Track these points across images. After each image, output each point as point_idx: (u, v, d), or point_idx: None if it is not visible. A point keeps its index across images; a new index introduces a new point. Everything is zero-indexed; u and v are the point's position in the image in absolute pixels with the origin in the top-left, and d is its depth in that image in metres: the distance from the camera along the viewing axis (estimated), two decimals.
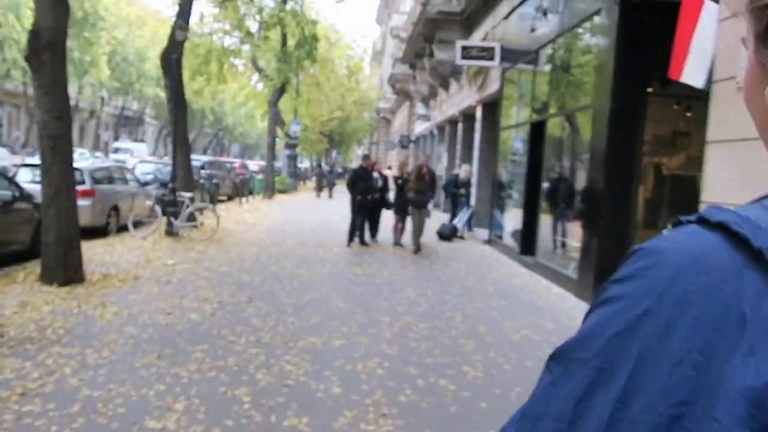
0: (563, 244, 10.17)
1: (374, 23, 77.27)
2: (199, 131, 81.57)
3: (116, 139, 59.66)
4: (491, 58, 13.91)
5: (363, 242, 12.77)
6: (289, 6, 26.40)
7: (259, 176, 28.77)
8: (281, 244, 12.35)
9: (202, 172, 21.40)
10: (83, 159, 45.58)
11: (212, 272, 9.06)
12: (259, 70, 29.39)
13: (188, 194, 12.61)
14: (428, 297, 8.15)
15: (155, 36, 42.34)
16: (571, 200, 9.82)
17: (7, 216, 8.89)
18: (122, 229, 12.68)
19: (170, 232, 12.33)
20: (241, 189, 22.88)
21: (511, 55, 13.53)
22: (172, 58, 13.03)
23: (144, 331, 5.80)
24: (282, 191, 30.38)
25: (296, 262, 10.31)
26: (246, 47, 29.54)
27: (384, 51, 62.07)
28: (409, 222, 12.73)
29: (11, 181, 9.41)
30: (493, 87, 15.29)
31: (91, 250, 10.17)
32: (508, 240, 13.03)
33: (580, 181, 9.40)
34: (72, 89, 56.70)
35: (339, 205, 25.20)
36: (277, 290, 8.02)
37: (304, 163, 59.15)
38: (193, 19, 28.11)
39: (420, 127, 30.16)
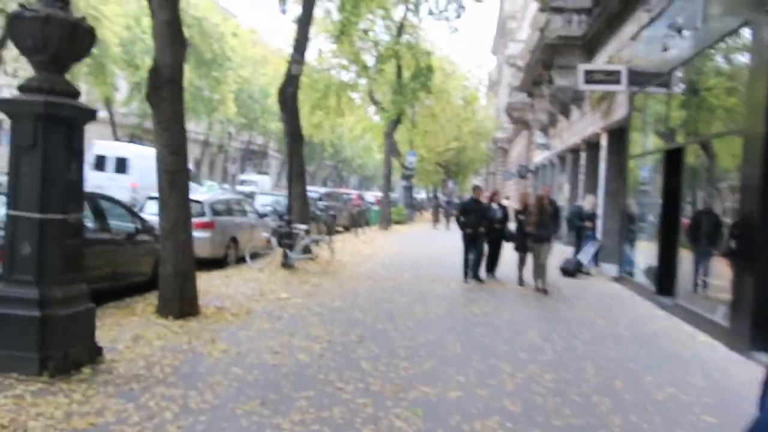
0: (708, 285, 9.03)
1: (490, 54, 76.81)
2: (319, 164, 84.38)
3: (242, 171, 62.77)
4: (617, 82, 12.97)
5: (478, 278, 11.98)
6: (404, 39, 26.56)
7: (376, 207, 28.82)
8: (396, 278, 11.97)
9: (320, 203, 21.67)
10: (212, 189, 47.77)
11: (324, 308, 8.81)
12: (376, 102, 29.68)
13: (303, 226, 12.59)
14: (554, 342, 7.40)
15: (277, 73, 44.16)
16: (717, 235, 8.71)
17: (131, 248, 9.14)
18: (240, 260, 12.86)
19: (286, 264, 12.32)
20: (358, 220, 22.92)
21: (639, 78, 12.54)
22: (288, 92, 13.21)
23: (250, 373, 5.54)
24: (398, 222, 30.32)
25: (411, 297, 9.87)
26: (363, 81, 30.11)
27: (500, 81, 61.27)
28: (530, 258, 11.75)
29: (134, 213, 9.70)
30: (619, 113, 14.28)
31: (209, 282, 10.28)
32: (641, 277, 11.90)
33: (730, 214, 8.31)
34: (202, 126, 60.52)
35: (456, 236, 24.52)
36: (390, 330, 7.60)
37: (420, 194, 59.26)
38: (313, 55, 29.10)
39: (539, 157, 29.11)
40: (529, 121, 33.03)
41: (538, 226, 11.16)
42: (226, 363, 5.81)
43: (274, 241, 12.45)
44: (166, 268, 7.75)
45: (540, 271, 11.25)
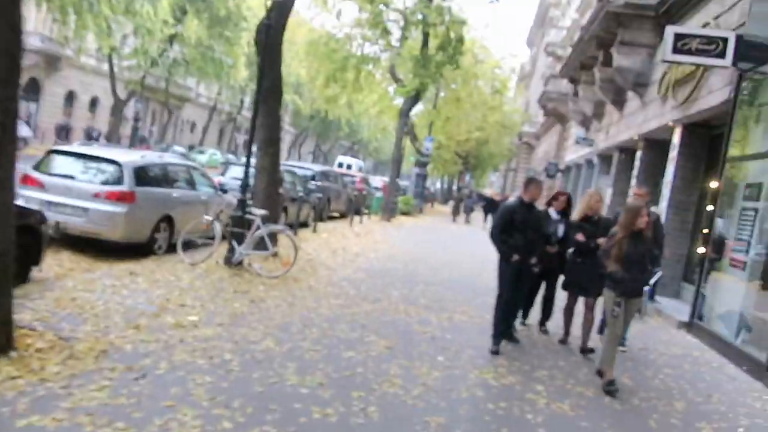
0: None
1: (524, 46, 72.57)
2: (334, 143, 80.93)
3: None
4: (720, 55, 9.22)
5: (510, 336, 6.99)
6: (435, 2, 22.89)
7: (380, 194, 25.25)
8: (379, 298, 8.41)
9: (312, 183, 18.15)
10: (212, 161, 44.50)
11: (243, 351, 5.30)
12: (397, 80, 26.06)
13: (260, 211, 9.06)
14: None
15: (295, 38, 40.55)
16: None
17: None
18: (174, 248, 9.37)
19: (230, 260, 8.82)
20: (353, 207, 19.35)
21: (754, 53, 8.85)
22: (266, 26, 9.59)
23: None
24: (405, 213, 26.76)
25: (393, 343, 6.28)
26: (385, 55, 26.65)
27: (533, 73, 57.46)
28: (598, 308, 6.89)
29: None
30: (708, 101, 10.58)
31: (91, 283, 6.83)
32: (726, 328, 8.31)
33: None
34: (212, 90, 56.90)
35: (474, 236, 21.49)
36: (333, 425, 4.08)
37: (435, 185, 55.57)
38: (332, 21, 25.88)
39: (573, 154, 25.34)
40: (566, 114, 29.23)
41: (628, 264, 5.63)
42: None
43: (217, 227, 8.93)
44: None
45: (611, 341, 5.80)
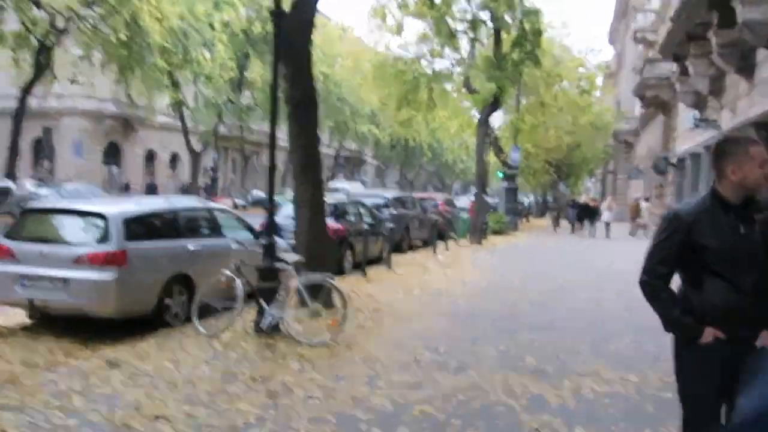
0: None
1: (606, 43, 67.97)
2: (418, 170, 78.83)
3: (331, 179, 58.22)
4: None
5: None
6: None
7: (465, 215, 22.56)
8: (465, 364, 5.78)
9: (385, 211, 15.83)
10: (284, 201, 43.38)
11: None
12: (472, 91, 23.64)
13: (293, 257, 6.76)
14: None
15: (359, 64, 38.91)
16: None
17: None
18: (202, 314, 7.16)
19: (261, 328, 6.53)
20: (433, 233, 16.81)
21: None
22: (276, 15, 7.34)
23: None
24: (497, 232, 23.90)
25: None
26: (458, 69, 24.45)
27: (620, 69, 53.29)
28: None
29: None
30: None
31: (40, 392, 4.72)
32: None
33: None
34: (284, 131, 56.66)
35: (580, 247, 18.01)
36: None
37: (527, 198, 51.98)
38: (397, 42, 24.17)
39: (687, 144, 21.71)
40: (670, 101, 25.63)
41: None
42: None
43: (239, 285, 6.67)
44: None
45: None
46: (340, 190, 36.89)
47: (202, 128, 38.60)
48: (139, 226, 6.83)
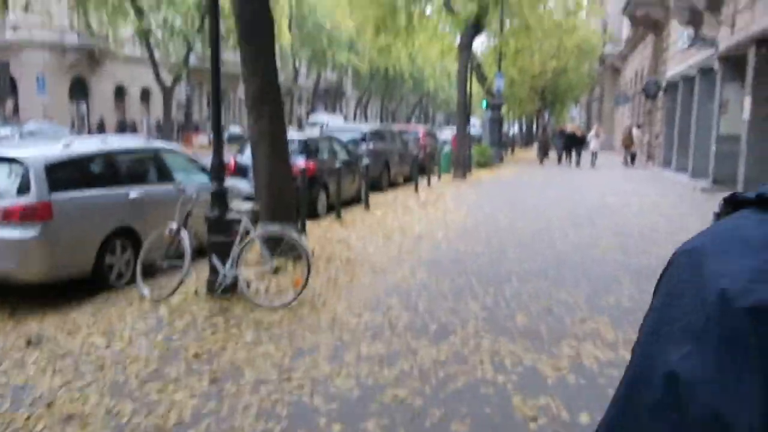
0: None
1: None
2: (399, 101, 76.90)
3: (310, 112, 56.52)
4: None
5: None
6: None
7: (449, 148, 21.60)
8: (446, 327, 5.05)
9: (362, 146, 14.85)
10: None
11: None
12: (453, 13, 22.23)
13: (245, 205, 5.87)
14: None
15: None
16: None
17: None
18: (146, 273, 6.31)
19: (213, 288, 5.71)
20: (415, 168, 15.90)
21: None
22: None
23: None
24: (482, 164, 23.04)
25: None
26: None
27: None
28: None
29: None
30: None
31: None
32: None
33: None
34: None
35: (569, 177, 16.43)
36: None
37: (512, 128, 50.81)
38: None
39: (679, 66, 20.69)
40: (662, 19, 24.38)
41: None
42: None
43: (185, 238, 5.79)
44: None
45: None
46: (317, 124, 35.66)
47: (172, 60, 36.76)
48: (67, 173, 5.85)
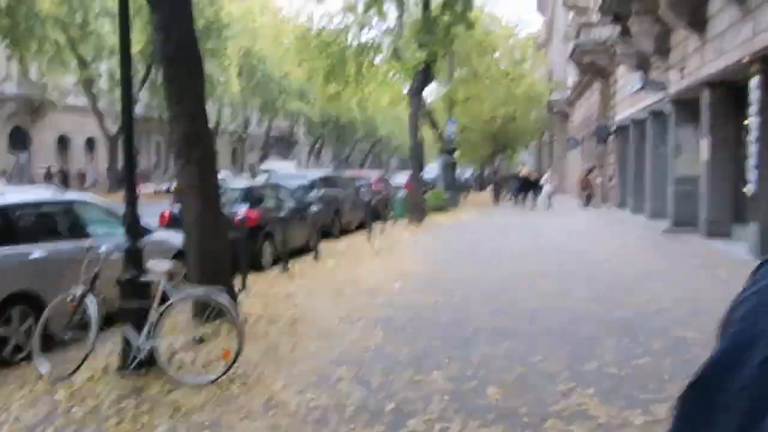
0: None
1: (535, 12, 67.33)
2: (353, 146, 76.73)
3: (263, 159, 55.60)
4: None
5: None
6: None
7: (403, 193, 21.01)
8: (407, 405, 4.24)
9: (313, 193, 14.08)
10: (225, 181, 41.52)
11: None
12: (402, 61, 22.09)
13: (163, 264, 4.98)
14: None
15: (280, 36, 36.54)
16: None
17: None
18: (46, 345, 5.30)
19: (128, 366, 4.75)
20: (376, 214, 15.17)
21: None
22: None
23: None
24: (438, 209, 22.48)
25: None
26: (387, 41, 22.95)
27: (551, 39, 52.91)
28: None
29: None
30: None
31: None
32: None
33: None
34: (212, 109, 53.90)
35: (528, 219, 15.47)
36: None
37: (466, 173, 50.84)
38: (320, 12, 22.49)
39: (629, 110, 20.77)
40: (608, 66, 24.69)
41: None
42: None
43: (90, 305, 4.86)
44: None
45: None
46: (269, 171, 34.85)
47: (117, 109, 35.54)
48: None
